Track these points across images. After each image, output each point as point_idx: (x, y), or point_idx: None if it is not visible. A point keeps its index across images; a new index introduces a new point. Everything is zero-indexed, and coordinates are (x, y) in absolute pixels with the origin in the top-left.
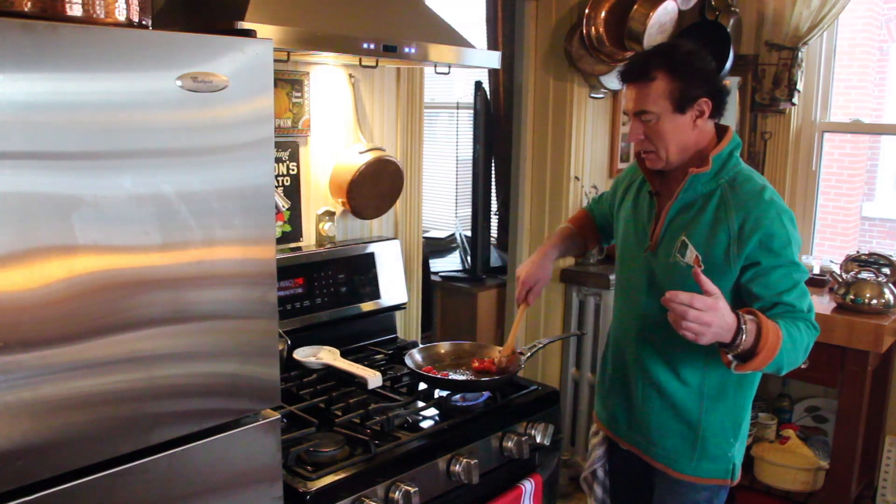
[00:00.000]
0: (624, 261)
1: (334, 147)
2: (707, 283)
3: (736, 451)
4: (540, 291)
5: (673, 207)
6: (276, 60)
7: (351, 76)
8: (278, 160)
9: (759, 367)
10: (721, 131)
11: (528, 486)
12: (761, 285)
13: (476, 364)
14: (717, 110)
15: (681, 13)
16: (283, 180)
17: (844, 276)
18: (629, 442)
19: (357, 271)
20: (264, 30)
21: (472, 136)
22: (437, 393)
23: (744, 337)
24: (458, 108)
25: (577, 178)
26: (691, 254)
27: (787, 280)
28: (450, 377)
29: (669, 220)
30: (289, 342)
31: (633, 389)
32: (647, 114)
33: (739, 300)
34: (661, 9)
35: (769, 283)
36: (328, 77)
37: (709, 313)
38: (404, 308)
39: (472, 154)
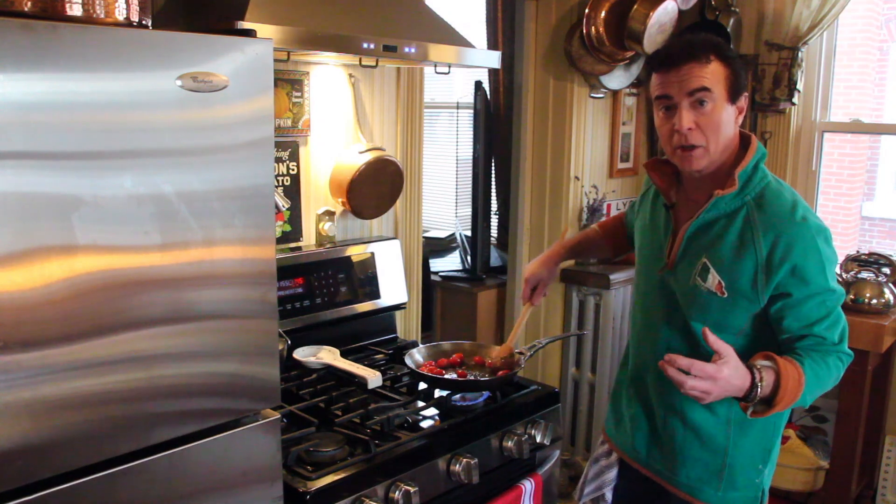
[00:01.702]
0: (640, 279)
1: (334, 147)
2: (717, 343)
3: (765, 478)
4: (543, 291)
5: (692, 226)
6: (276, 60)
7: (351, 76)
8: (278, 160)
9: (779, 411)
10: (744, 139)
11: (528, 486)
12: (792, 317)
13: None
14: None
15: (681, 13)
16: (283, 180)
17: (844, 275)
18: (649, 469)
19: (357, 271)
20: (264, 30)
21: (472, 136)
22: (437, 393)
23: (759, 391)
24: (458, 108)
25: (577, 178)
26: (713, 279)
27: (819, 309)
28: (450, 377)
29: (688, 238)
30: (289, 342)
31: (655, 417)
32: (708, 93)
33: (765, 324)
34: (661, 9)
35: (800, 315)
36: (328, 77)
37: (707, 382)
38: (404, 308)
39: (472, 154)
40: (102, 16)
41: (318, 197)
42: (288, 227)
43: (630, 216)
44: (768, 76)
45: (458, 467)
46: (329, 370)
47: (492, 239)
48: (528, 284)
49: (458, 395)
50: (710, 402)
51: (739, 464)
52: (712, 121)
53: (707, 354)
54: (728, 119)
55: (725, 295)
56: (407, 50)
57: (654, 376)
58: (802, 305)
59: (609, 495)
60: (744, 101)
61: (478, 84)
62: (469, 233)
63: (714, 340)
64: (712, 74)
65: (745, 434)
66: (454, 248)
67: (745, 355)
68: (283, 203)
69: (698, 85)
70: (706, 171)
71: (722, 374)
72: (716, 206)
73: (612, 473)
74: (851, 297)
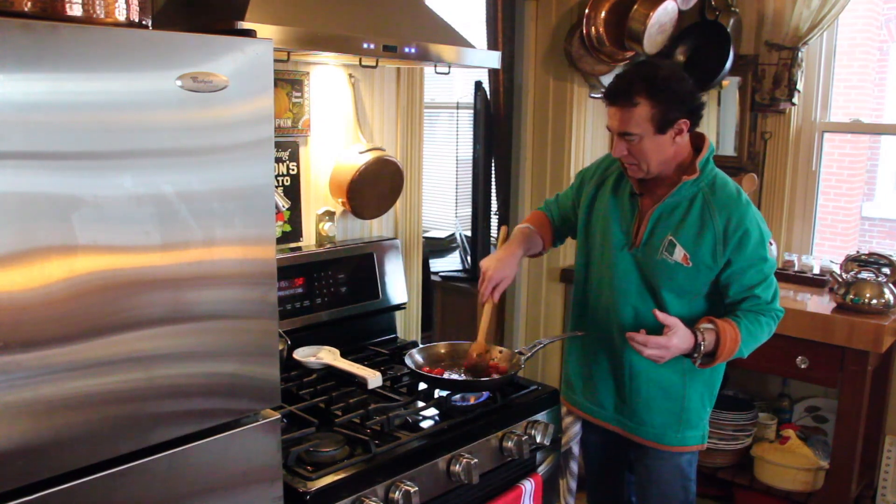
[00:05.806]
0: (604, 256)
1: (334, 147)
2: (666, 319)
3: (707, 418)
4: (504, 289)
5: (658, 209)
6: (276, 60)
7: (351, 76)
8: (278, 160)
9: (721, 362)
10: (697, 138)
11: (528, 486)
12: (737, 283)
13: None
14: (694, 125)
15: (681, 13)
16: (283, 180)
17: (844, 276)
18: (616, 424)
19: (357, 271)
20: (264, 30)
21: (472, 136)
22: (437, 393)
23: (701, 350)
24: (458, 108)
25: None
26: (679, 252)
27: (758, 275)
28: (450, 377)
29: (654, 220)
30: (289, 342)
31: (622, 378)
32: (631, 135)
33: (716, 289)
34: (661, 9)
35: (744, 281)
36: (328, 77)
37: (660, 350)
38: (404, 308)
39: (472, 154)
40: (102, 16)
41: (318, 197)
42: (288, 227)
43: (559, 209)
44: (768, 76)
45: (458, 467)
46: (329, 370)
47: (492, 239)
48: (492, 282)
49: (458, 395)
50: (664, 360)
51: (693, 407)
52: (639, 150)
53: (668, 311)
54: (658, 146)
55: (690, 265)
56: (407, 50)
57: (621, 340)
58: (746, 272)
59: (576, 448)
60: (680, 125)
61: (478, 84)
62: (469, 233)
63: (663, 318)
64: (636, 116)
65: (695, 382)
66: (454, 248)
67: (703, 313)
68: (283, 203)
69: (622, 130)
70: (648, 177)
71: (671, 342)
72: (679, 192)
73: (577, 427)
74: (851, 297)
